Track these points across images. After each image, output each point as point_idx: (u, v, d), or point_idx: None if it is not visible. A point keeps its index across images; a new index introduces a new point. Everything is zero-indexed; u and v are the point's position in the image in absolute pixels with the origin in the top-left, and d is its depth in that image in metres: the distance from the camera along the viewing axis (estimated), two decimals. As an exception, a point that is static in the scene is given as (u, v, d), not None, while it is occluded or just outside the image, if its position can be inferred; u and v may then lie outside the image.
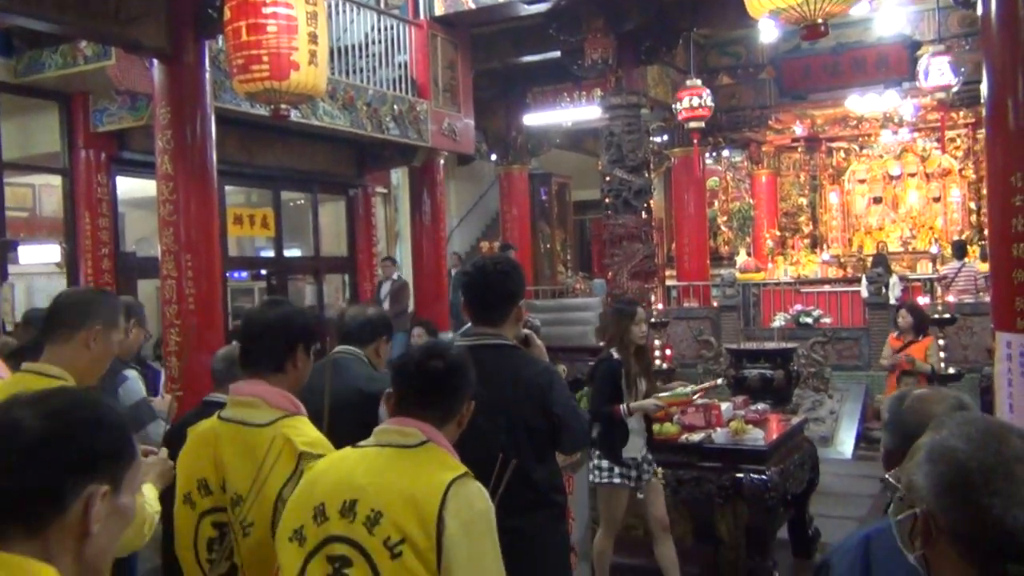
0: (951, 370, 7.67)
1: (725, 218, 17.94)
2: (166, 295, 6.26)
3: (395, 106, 9.28)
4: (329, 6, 7.37)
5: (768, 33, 11.89)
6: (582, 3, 9.84)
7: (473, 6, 9.71)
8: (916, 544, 1.25)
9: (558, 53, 11.12)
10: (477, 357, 2.26)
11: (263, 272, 10.85)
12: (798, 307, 10.77)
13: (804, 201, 17.60)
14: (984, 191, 14.87)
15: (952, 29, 11.81)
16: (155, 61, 6.33)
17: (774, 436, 5.15)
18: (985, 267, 10.96)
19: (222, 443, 2.18)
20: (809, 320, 10.15)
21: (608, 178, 11.33)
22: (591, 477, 4.52)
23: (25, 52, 7.61)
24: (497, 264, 2.85)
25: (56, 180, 8.29)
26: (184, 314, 6.17)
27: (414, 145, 9.79)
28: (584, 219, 18.42)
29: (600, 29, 10.31)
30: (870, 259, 14.39)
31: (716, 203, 17.86)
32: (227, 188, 9.20)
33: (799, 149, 17.43)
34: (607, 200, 11.43)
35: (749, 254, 16.25)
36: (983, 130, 14.03)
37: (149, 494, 2.25)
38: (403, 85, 9.60)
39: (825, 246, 16.93)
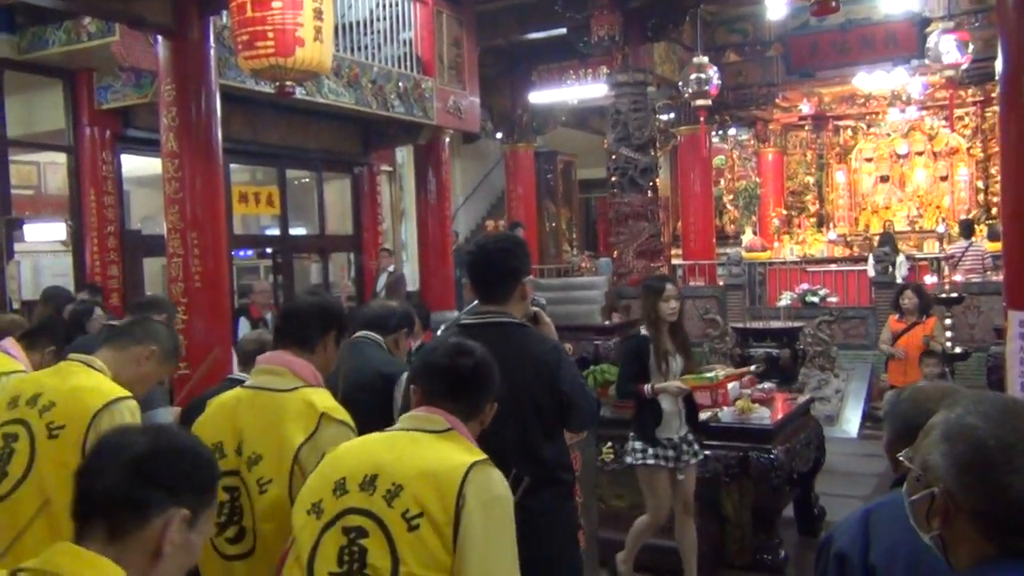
0: (958, 349, 7.66)
1: (731, 197, 17.85)
2: (172, 273, 6.28)
3: (400, 83, 9.23)
4: (334, -18, 7.30)
5: (776, 10, 11.80)
6: (588, -21, 9.78)
7: (478, -18, 9.66)
8: (933, 524, 1.25)
9: (564, 30, 11.04)
10: (482, 335, 2.26)
11: (268, 250, 10.84)
12: (804, 286, 10.72)
13: (811, 180, 17.48)
14: (992, 170, 14.93)
15: (962, 6, 11.72)
16: (159, 37, 6.29)
17: (780, 415, 5.16)
18: (992, 246, 10.94)
19: (242, 407, 2.23)
20: (815, 299, 10.12)
21: (614, 156, 11.30)
22: (627, 458, 4.48)
23: (29, 28, 7.58)
24: (498, 241, 2.85)
25: (61, 157, 8.28)
26: (190, 292, 6.19)
27: (419, 123, 9.74)
28: (590, 198, 18.36)
29: (606, 5, 10.23)
30: (876, 238, 14.32)
31: (722, 182, 17.77)
32: (232, 166, 9.15)
33: (806, 127, 17.29)
34: (613, 179, 11.40)
35: (755, 233, 16.18)
36: (992, 108, 14.19)
37: None
38: (408, 62, 9.54)
39: (831, 225, 16.84)
